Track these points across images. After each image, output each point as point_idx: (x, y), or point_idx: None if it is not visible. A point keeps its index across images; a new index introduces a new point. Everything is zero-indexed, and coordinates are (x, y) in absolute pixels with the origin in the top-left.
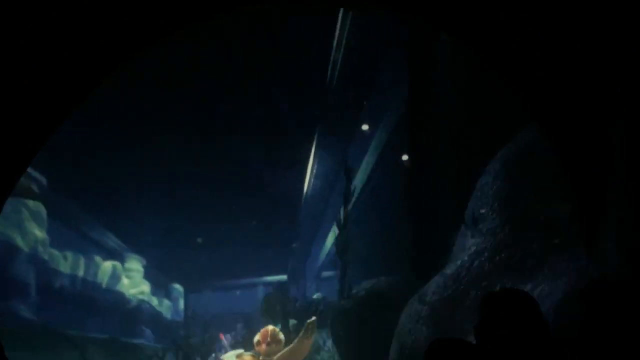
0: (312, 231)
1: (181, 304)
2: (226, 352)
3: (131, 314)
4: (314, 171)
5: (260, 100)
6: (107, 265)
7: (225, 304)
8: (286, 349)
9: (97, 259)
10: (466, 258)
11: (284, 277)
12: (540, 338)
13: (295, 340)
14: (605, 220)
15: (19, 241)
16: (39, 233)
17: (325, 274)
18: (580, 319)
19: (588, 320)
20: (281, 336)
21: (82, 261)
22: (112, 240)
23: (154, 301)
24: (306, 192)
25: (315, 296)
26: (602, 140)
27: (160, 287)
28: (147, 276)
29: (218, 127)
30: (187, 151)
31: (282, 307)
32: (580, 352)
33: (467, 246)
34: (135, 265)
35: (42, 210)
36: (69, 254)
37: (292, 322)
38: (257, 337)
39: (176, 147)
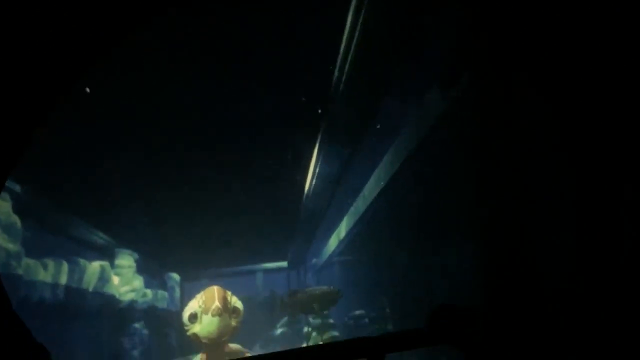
0: (315, 221)
1: (177, 292)
2: None
3: (121, 315)
4: (320, 160)
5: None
6: (95, 266)
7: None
8: None
9: (83, 262)
10: None
11: (284, 264)
12: None
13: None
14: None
15: None
16: (12, 246)
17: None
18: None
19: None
20: (239, 304)
21: (65, 267)
22: (100, 238)
23: (148, 294)
24: (311, 180)
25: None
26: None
27: (155, 277)
28: (140, 269)
29: (216, 115)
30: (180, 136)
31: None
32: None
33: None
34: (126, 261)
35: (16, 221)
36: (50, 262)
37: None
38: (195, 306)
39: (168, 132)
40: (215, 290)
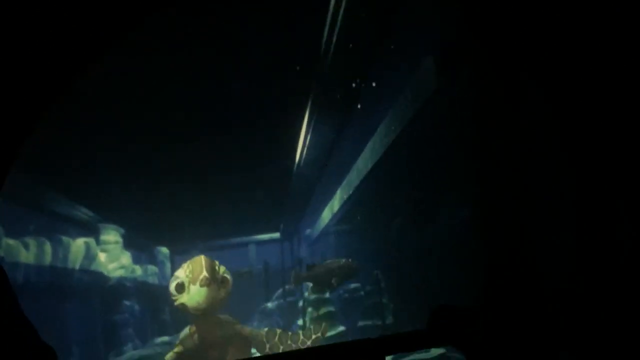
0: (307, 192)
1: (168, 267)
2: None
3: (111, 293)
4: (310, 130)
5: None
6: (79, 243)
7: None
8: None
9: (66, 239)
10: None
11: (276, 234)
12: None
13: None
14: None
15: None
16: None
17: None
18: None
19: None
20: (228, 274)
21: (48, 246)
22: (82, 213)
23: (137, 270)
24: (302, 149)
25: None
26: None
27: (143, 252)
28: (128, 244)
29: (204, 86)
30: (168, 110)
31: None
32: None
33: None
34: (112, 236)
35: None
36: (31, 241)
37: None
38: (182, 275)
39: (155, 106)
40: (202, 260)
